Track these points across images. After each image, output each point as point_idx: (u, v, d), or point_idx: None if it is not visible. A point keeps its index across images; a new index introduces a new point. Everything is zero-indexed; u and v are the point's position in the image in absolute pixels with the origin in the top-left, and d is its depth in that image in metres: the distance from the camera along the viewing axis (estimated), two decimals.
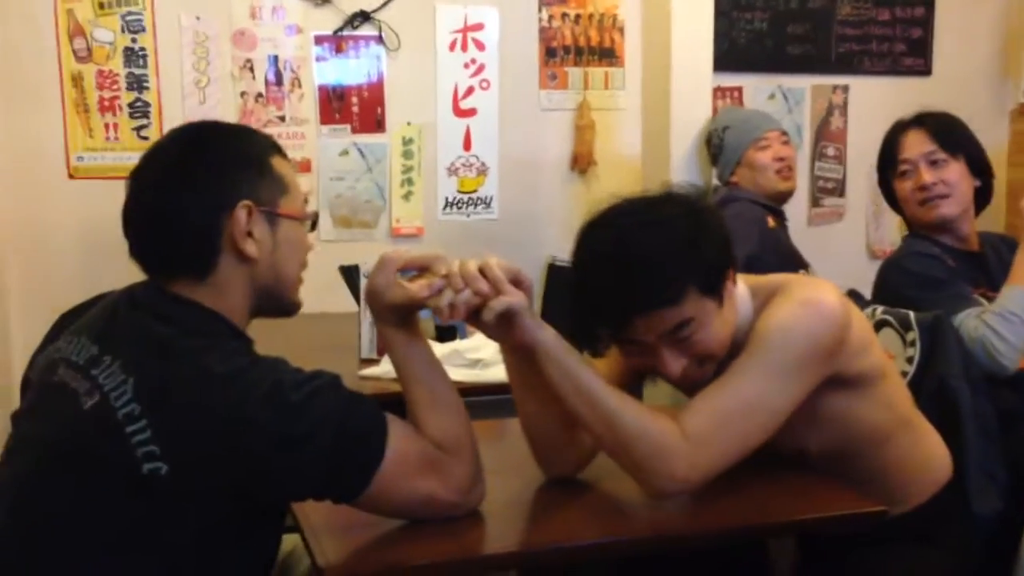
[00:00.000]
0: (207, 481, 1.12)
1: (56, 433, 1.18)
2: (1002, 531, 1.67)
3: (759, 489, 1.39)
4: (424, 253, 1.32)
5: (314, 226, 1.35)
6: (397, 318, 1.29)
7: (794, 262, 2.76)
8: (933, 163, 2.11)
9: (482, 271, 1.28)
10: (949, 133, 2.14)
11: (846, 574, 1.53)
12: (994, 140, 3.96)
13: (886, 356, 1.55)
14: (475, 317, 1.29)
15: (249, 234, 1.23)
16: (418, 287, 1.28)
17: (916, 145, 2.13)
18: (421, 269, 1.31)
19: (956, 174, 2.12)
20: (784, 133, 3.03)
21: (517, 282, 1.30)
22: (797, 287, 1.41)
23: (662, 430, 1.29)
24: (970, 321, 1.90)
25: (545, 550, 1.28)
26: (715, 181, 3.13)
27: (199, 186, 1.23)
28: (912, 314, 1.88)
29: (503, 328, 1.31)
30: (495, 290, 1.27)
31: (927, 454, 1.58)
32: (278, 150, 1.31)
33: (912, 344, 1.82)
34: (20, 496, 1.19)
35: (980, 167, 2.17)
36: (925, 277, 2.01)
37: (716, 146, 3.05)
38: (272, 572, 1.32)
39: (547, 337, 1.31)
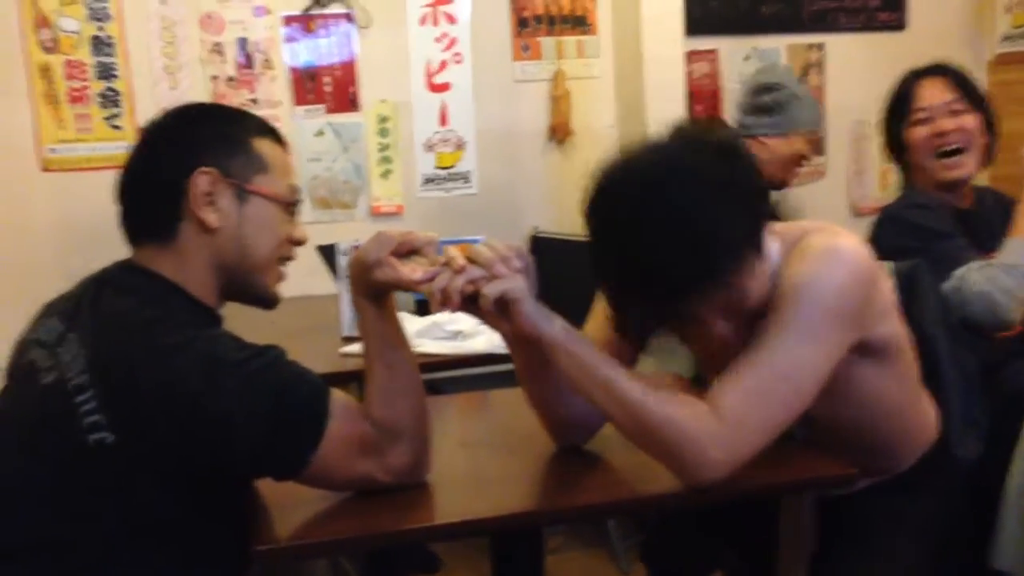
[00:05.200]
0: (152, 453, 1.12)
1: (20, 412, 1.20)
2: (983, 475, 1.67)
3: None
4: (419, 234, 1.26)
5: (292, 209, 1.31)
6: (374, 293, 1.27)
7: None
8: (953, 112, 2.05)
9: (471, 255, 1.22)
10: (969, 85, 2.08)
11: (832, 526, 1.53)
12: None
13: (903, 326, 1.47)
14: (471, 304, 1.23)
15: (212, 203, 1.23)
16: (409, 270, 1.23)
17: (936, 94, 2.06)
18: (412, 252, 1.26)
19: (974, 125, 2.05)
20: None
21: (516, 265, 1.23)
22: (817, 235, 1.31)
23: (692, 414, 1.20)
24: (973, 274, 1.86)
25: (497, 519, 1.25)
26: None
27: (165, 147, 1.27)
28: (890, 263, 1.87)
29: (503, 316, 1.23)
30: (489, 275, 1.20)
31: (925, 422, 1.55)
32: (269, 134, 1.31)
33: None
34: None
35: (991, 125, 2.10)
36: (928, 228, 1.96)
37: (778, 104, 2.80)
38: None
39: (554, 329, 1.23)
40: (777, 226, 1.36)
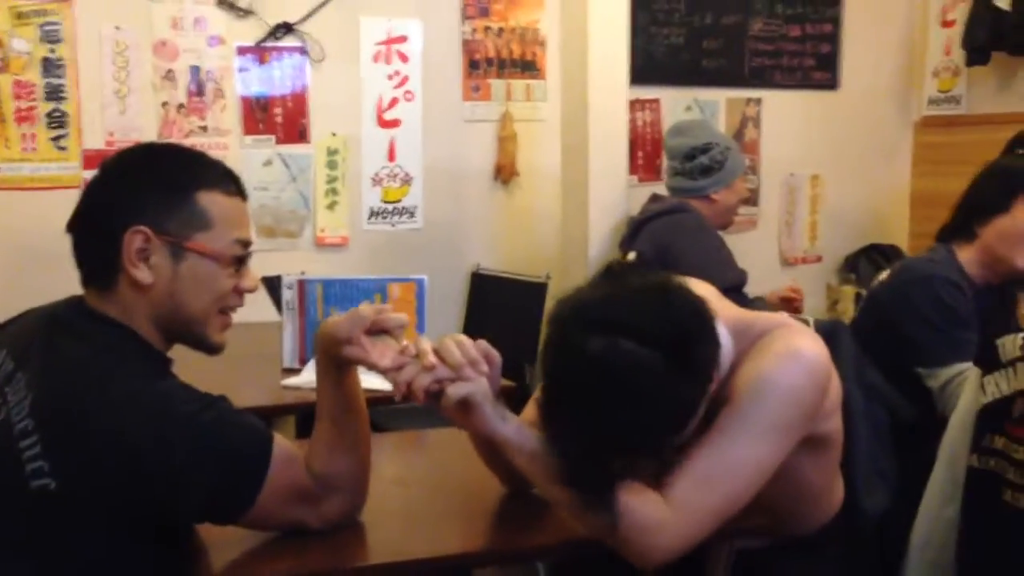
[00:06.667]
0: (96, 500, 1.14)
1: None
2: (891, 531, 1.76)
3: None
4: (392, 317, 1.28)
5: (238, 263, 1.28)
6: (338, 364, 1.30)
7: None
8: None
9: (441, 352, 1.25)
10: None
11: None
12: (899, 151, 4.15)
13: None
14: (434, 400, 1.26)
15: (146, 260, 1.22)
16: (378, 353, 1.26)
17: None
18: (383, 331, 1.28)
19: None
20: None
21: (484, 362, 1.26)
22: (778, 333, 1.36)
23: (644, 503, 1.24)
24: (968, 383, 1.87)
25: (428, 560, 1.29)
26: (666, 188, 3.10)
27: (107, 197, 1.26)
28: (811, 319, 1.97)
29: (463, 413, 1.27)
30: (456, 375, 1.24)
31: (833, 500, 1.60)
32: (221, 185, 1.27)
33: None
34: None
35: None
36: (956, 313, 2.01)
37: (716, 161, 2.97)
38: None
39: (508, 430, 1.27)
40: (724, 311, 1.38)
